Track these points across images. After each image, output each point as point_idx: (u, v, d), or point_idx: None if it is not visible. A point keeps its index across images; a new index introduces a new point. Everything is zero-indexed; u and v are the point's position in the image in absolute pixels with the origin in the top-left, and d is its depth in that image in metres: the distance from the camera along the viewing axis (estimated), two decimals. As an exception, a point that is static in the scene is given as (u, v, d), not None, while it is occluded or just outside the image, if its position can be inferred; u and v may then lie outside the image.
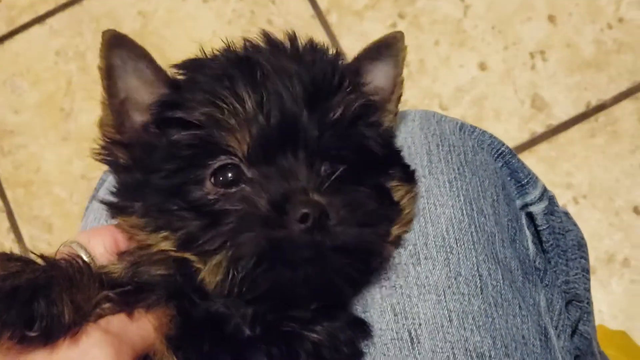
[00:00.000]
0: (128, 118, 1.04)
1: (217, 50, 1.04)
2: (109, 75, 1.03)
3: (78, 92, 2.62)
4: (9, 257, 0.88)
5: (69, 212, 2.54)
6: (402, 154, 1.13)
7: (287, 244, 0.90)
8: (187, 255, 0.95)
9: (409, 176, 1.10)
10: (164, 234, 0.97)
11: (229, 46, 1.04)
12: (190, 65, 1.03)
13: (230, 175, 0.96)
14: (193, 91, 0.99)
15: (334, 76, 1.00)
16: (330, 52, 1.06)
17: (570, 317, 1.22)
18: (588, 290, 1.29)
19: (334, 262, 0.93)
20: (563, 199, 2.29)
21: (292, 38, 1.04)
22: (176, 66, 1.03)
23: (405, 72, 2.33)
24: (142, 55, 1.03)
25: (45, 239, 2.52)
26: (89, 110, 2.25)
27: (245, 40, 1.04)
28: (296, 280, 0.92)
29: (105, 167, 1.09)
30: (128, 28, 2.68)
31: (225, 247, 0.92)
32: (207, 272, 0.93)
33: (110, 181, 1.11)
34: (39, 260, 0.89)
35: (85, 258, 0.93)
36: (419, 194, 1.11)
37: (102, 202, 1.06)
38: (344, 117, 0.98)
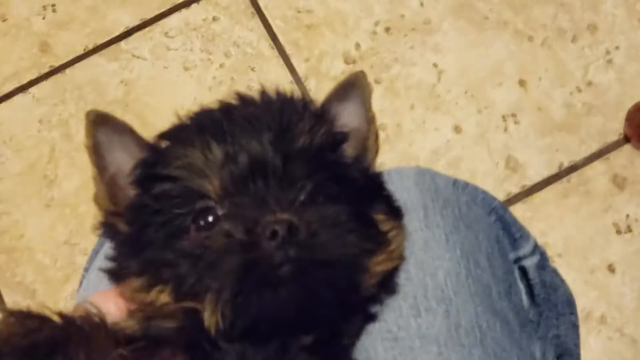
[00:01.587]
0: (121, 189, 1.06)
1: (193, 112, 1.07)
2: (96, 152, 1.06)
3: (61, 159, 2.62)
4: (26, 315, 0.89)
5: (52, 278, 2.53)
6: (389, 191, 1.13)
7: (262, 264, 0.90)
8: (188, 303, 0.95)
9: (395, 212, 1.10)
10: (158, 288, 0.97)
11: (203, 107, 1.07)
12: (168, 131, 1.07)
13: (209, 218, 0.97)
14: (169, 149, 1.02)
15: (300, 117, 1.02)
16: (301, 98, 1.08)
17: (563, 372, 1.25)
18: (577, 346, 1.32)
19: (313, 275, 0.92)
20: (539, 258, 2.33)
21: (262, 91, 1.07)
22: (158, 136, 1.06)
23: (382, 135, 2.39)
24: (125, 129, 1.07)
25: (28, 305, 2.49)
26: (72, 177, 2.27)
27: (219, 100, 1.07)
28: (280, 300, 0.91)
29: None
30: (111, 96, 2.72)
31: (209, 284, 0.92)
32: (207, 316, 0.93)
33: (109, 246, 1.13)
34: (56, 317, 0.90)
35: (98, 316, 0.94)
36: (405, 231, 1.11)
37: (102, 270, 1.08)
38: (310, 144, 1.00)
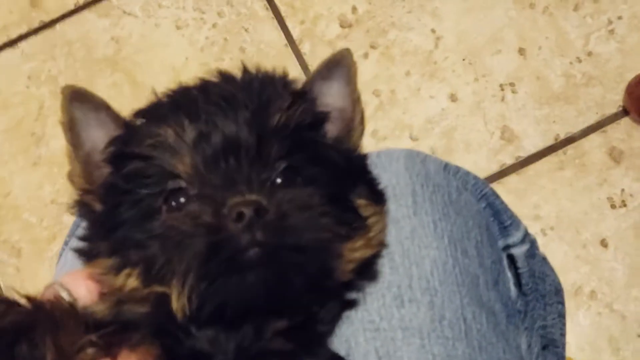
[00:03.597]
0: (96, 167, 1.04)
1: (170, 90, 1.05)
2: (71, 128, 1.03)
3: (50, 117, 2.60)
4: None
5: (38, 237, 2.52)
6: (372, 175, 1.10)
7: (227, 246, 0.88)
8: (157, 288, 0.93)
9: (378, 196, 1.08)
10: (126, 271, 0.95)
11: (180, 84, 1.06)
12: (144, 108, 1.04)
13: (180, 198, 0.96)
14: (143, 127, 1.00)
15: (279, 95, 1.00)
16: (280, 76, 1.05)
17: (546, 362, 1.24)
18: (564, 335, 1.30)
19: (282, 259, 0.90)
20: (531, 231, 2.28)
21: (243, 69, 1.04)
22: (133, 113, 1.04)
23: (376, 102, 2.37)
24: (102, 105, 1.04)
25: (13, 264, 2.49)
26: (60, 136, 2.24)
27: (199, 78, 1.05)
28: (247, 284, 0.90)
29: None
30: (101, 53, 2.69)
31: (175, 268, 0.90)
32: (174, 300, 0.91)
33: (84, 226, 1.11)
34: (24, 301, 0.88)
35: (68, 300, 0.93)
36: (387, 216, 1.08)
37: (74, 250, 1.06)
38: (286, 124, 0.97)
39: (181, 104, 1.00)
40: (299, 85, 1.07)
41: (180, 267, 0.90)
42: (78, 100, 1.03)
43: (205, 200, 0.92)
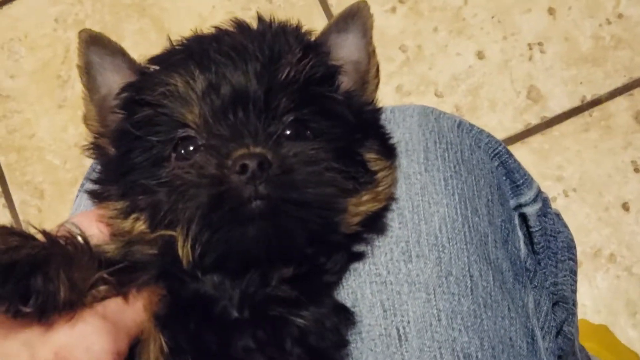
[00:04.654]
0: (111, 112, 1.06)
1: (185, 38, 1.06)
2: (87, 72, 1.07)
3: (76, 60, 2.60)
4: (10, 231, 0.88)
5: (61, 180, 2.55)
6: (384, 129, 1.12)
7: (230, 198, 0.90)
8: (163, 232, 0.96)
9: (388, 151, 1.09)
10: (134, 215, 0.99)
11: (196, 32, 1.07)
12: (158, 55, 1.06)
13: (189, 147, 0.98)
14: (155, 74, 1.02)
15: (291, 49, 1.00)
16: (295, 28, 1.06)
17: (556, 319, 1.24)
18: (574, 292, 1.31)
19: (284, 212, 0.92)
20: (553, 192, 2.30)
21: (259, 18, 1.05)
22: (148, 60, 1.06)
23: (402, 57, 2.35)
24: (118, 51, 1.07)
25: (35, 205, 2.53)
26: (85, 80, 2.23)
27: (214, 26, 1.06)
28: (248, 235, 0.92)
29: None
30: (128, -1, 2.69)
31: (180, 216, 0.93)
32: (179, 247, 0.93)
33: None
34: (40, 236, 0.89)
35: (80, 238, 0.94)
36: (398, 171, 1.11)
37: (86, 191, 1.09)
38: (296, 78, 0.98)
39: (193, 53, 1.01)
40: (313, 37, 1.07)
41: (184, 216, 0.92)
42: (95, 44, 1.06)
43: (211, 151, 0.94)
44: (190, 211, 0.91)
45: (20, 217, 2.51)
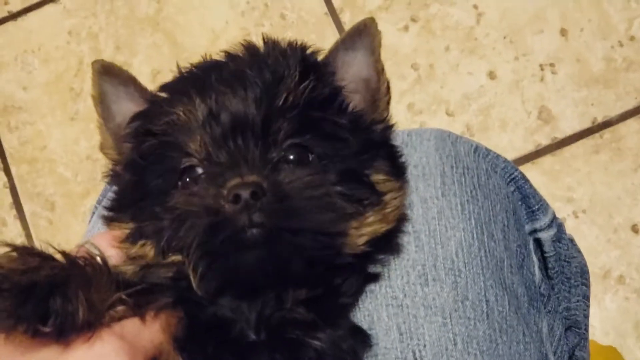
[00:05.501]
0: (124, 140, 1.07)
1: (194, 64, 1.07)
2: (102, 101, 1.09)
3: (89, 73, 2.58)
4: (29, 252, 0.88)
5: (72, 192, 2.55)
6: (395, 147, 1.11)
7: (225, 227, 0.90)
8: (174, 257, 0.96)
9: (398, 171, 1.08)
10: (142, 242, 0.99)
11: (204, 58, 1.07)
12: (168, 83, 1.07)
13: (193, 175, 0.98)
14: (160, 104, 1.03)
15: (290, 73, 1.00)
16: (301, 49, 1.06)
17: (568, 343, 1.24)
18: (587, 317, 1.31)
19: (280, 240, 0.91)
20: (563, 213, 2.30)
21: (264, 40, 1.05)
22: (159, 88, 1.07)
23: (414, 76, 2.36)
24: (130, 80, 1.09)
25: (46, 217, 2.53)
26: (98, 93, 2.24)
27: (224, 51, 1.06)
28: (246, 263, 0.92)
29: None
30: (142, 12, 2.69)
31: (181, 242, 0.93)
32: (189, 272, 0.94)
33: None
34: (59, 257, 0.89)
35: (99, 259, 0.94)
36: (411, 192, 1.11)
37: (100, 217, 1.10)
38: (295, 102, 0.98)
39: (196, 81, 1.02)
40: (321, 56, 1.07)
41: (185, 244, 0.93)
42: (107, 74, 1.08)
43: (209, 180, 0.95)
44: (189, 239, 0.92)
45: (31, 229, 2.51)
